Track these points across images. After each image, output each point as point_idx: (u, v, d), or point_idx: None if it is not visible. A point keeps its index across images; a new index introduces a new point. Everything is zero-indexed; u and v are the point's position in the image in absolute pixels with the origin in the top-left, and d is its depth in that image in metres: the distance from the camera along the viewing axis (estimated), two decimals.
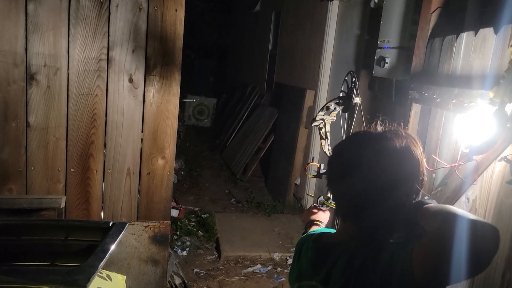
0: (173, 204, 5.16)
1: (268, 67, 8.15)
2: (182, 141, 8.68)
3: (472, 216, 0.91)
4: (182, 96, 9.53)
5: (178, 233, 4.54)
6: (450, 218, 0.92)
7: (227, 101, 10.47)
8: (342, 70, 5.05)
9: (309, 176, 1.94)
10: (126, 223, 1.86)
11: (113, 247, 1.70)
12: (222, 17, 13.13)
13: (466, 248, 0.85)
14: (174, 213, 4.84)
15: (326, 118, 1.95)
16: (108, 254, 1.65)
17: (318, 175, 1.83)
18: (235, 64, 11.60)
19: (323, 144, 1.97)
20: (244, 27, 10.67)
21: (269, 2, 8.39)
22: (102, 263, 1.59)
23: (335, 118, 1.98)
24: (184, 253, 4.27)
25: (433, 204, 1.05)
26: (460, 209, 0.98)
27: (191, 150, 8.45)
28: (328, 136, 1.97)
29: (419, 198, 1.10)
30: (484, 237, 0.88)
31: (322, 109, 1.96)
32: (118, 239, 1.75)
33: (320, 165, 1.83)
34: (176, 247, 4.28)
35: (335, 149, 1.20)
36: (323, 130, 1.97)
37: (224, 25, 13.10)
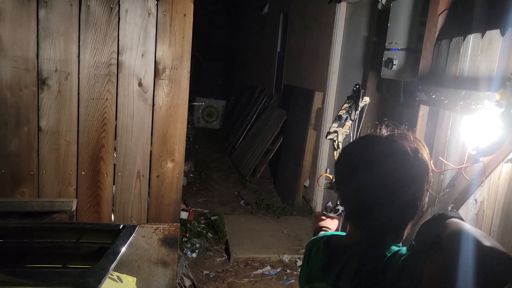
0: (183, 206, 5.19)
1: (277, 69, 8.16)
2: (191, 143, 8.73)
3: (489, 242, 0.90)
4: (191, 98, 9.56)
5: (187, 235, 4.58)
6: (469, 242, 0.91)
7: (235, 103, 10.50)
8: (350, 71, 5.05)
9: (322, 187, 1.99)
10: (137, 226, 1.89)
11: (123, 249, 1.73)
12: (230, 19, 13.17)
13: (477, 274, 0.85)
14: (184, 215, 4.88)
15: (339, 130, 1.99)
16: (119, 256, 1.68)
17: (331, 186, 1.84)
18: (243, 66, 11.63)
19: (335, 154, 2.00)
20: (252, 29, 10.70)
21: (277, 4, 8.41)
22: (113, 265, 1.62)
23: (348, 131, 2.01)
24: (194, 255, 4.29)
25: (456, 218, 1.04)
26: (480, 231, 0.98)
27: (200, 152, 8.49)
28: (340, 147, 2.00)
29: (426, 199, 1.11)
30: (498, 267, 0.87)
31: (335, 120, 1.99)
32: (128, 241, 1.78)
33: (332, 177, 1.84)
34: (185, 249, 4.31)
35: (343, 150, 1.21)
36: (336, 141, 2.01)
37: (232, 27, 13.14)
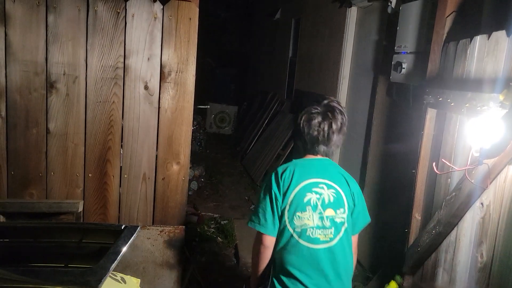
0: (193, 210, 5.21)
1: (288, 74, 8.16)
2: (203, 148, 8.76)
3: None
4: (204, 104, 9.62)
5: (197, 239, 4.58)
6: None
7: (248, 109, 10.51)
8: (361, 76, 5.03)
9: None
10: (138, 226, 1.90)
11: (124, 249, 1.74)
12: (243, 25, 13.23)
13: None
14: (194, 219, 4.89)
15: None
16: (119, 256, 1.68)
17: None
18: (255, 71, 11.66)
19: None
20: (264, 35, 10.73)
21: (289, 10, 8.43)
22: (113, 265, 1.63)
23: None
24: (203, 259, 4.29)
25: None
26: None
27: (211, 157, 8.51)
28: None
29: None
30: None
31: None
32: (129, 241, 1.79)
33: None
34: (195, 253, 4.31)
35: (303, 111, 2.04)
36: None
37: (244, 33, 13.20)
